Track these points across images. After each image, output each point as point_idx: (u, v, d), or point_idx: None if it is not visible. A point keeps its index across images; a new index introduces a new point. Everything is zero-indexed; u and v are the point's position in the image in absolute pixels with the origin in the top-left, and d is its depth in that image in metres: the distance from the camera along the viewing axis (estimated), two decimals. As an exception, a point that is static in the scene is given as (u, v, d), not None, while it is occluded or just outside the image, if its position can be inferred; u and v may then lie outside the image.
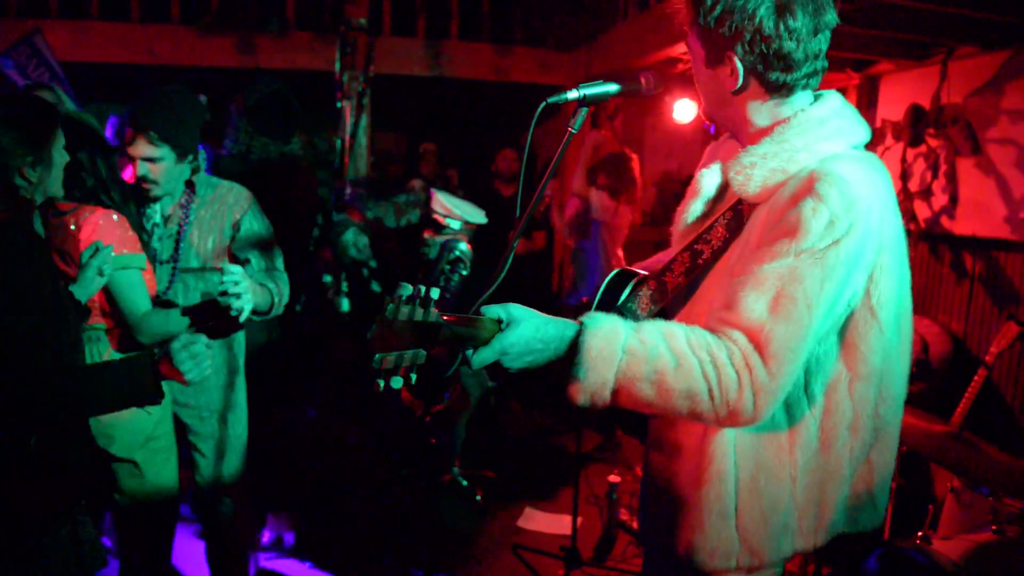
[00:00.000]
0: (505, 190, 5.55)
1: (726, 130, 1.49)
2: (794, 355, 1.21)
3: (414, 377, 1.20)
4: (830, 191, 1.21)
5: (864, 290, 1.30)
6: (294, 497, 3.89)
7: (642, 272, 1.57)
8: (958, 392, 3.41)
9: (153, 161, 2.33)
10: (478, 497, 4.00)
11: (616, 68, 5.46)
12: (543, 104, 1.45)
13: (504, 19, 6.05)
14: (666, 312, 1.48)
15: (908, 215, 4.36)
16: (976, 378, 3.43)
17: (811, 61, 1.33)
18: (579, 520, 3.41)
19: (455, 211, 3.53)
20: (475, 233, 3.94)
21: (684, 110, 4.35)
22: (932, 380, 3.96)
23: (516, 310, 1.25)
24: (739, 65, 1.32)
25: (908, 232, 4.36)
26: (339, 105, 5.67)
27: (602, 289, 1.57)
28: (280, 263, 2.61)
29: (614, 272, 1.60)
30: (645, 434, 1.57)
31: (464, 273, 3.31)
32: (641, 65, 5.11)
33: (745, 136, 1.42)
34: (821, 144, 1.31)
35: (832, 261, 1.21)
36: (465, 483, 4.04)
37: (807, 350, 1.24)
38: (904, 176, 4.41)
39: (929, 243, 4.37)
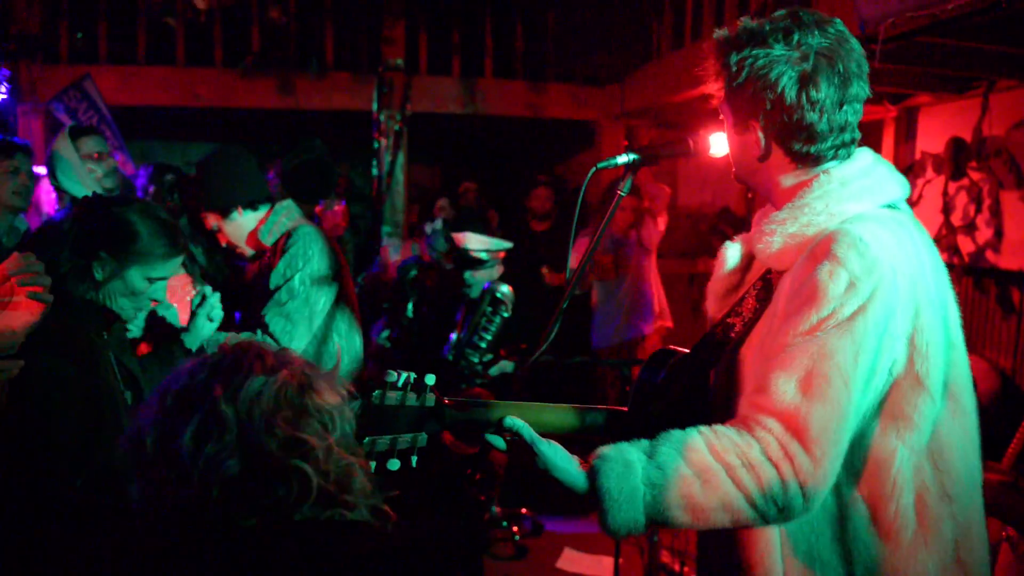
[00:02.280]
0: (537, 226, 5.58)
1: (759, 193, 1.45)
2: (836, 436, 1.14)
3: (415, 460, 1.23)
4: (848, 252, 1.17)
5: (907, 356, 1.21)
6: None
7: (682, 350, 1.51)
8: (1009, 432, 3.34)
9: None
10: (517, 537, 3.98)
11: (650, 104, 5.50)
12: (593, 170, 1.47)
13: (537, 56, 6.14)
14: (706, 393, 1.43)
15: (951, 249, 4.30)
16: (1028, 418, 3.35)
17: (837, 133, 1.29)
18: (620, 561, 3.37)
19: (481, 244, 3.58)
20: (509, 272, 3.98)
21: (718, 143, 4.36)
22: (981, 419, 3.88)
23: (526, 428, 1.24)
24: (761, 135, 1.30)
25: (951, 266, 4.30)
26: (376, 145, 5.78)
27: (642, 368, 1.51)
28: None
29: (654, 353, 1.55)
30: None
31: (505, 315, 3.33)
32: (673, 101, 5.14)
33: (775, 199, 1.39)
34: (844, 205, 1.26)
35: (860, 330, 1.15)
36: (504, 523, 4.03)
37: (850, 430, 1.17)
38: (946, 210, 4.36)
39: (974, 277, 4.30)
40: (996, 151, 4.10)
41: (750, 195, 5.03)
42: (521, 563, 3.84)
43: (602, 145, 6.13)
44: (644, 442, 1.21)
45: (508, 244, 3.73)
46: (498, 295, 3.21)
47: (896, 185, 1.33)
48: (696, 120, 1.55)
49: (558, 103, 6.06)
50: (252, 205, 2.57)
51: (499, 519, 4.10)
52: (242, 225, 2.58)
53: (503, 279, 3.58)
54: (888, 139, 4.85)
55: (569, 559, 3.86)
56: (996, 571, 2.69)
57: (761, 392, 1.19)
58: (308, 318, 2.49)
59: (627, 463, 1.18)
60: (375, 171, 5.82)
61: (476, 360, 3.38)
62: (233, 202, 2.52)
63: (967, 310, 4.37)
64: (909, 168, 4.67)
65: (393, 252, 5.47)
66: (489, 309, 3.24)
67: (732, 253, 1.48)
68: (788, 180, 1.34)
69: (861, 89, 1.30)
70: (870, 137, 4.65)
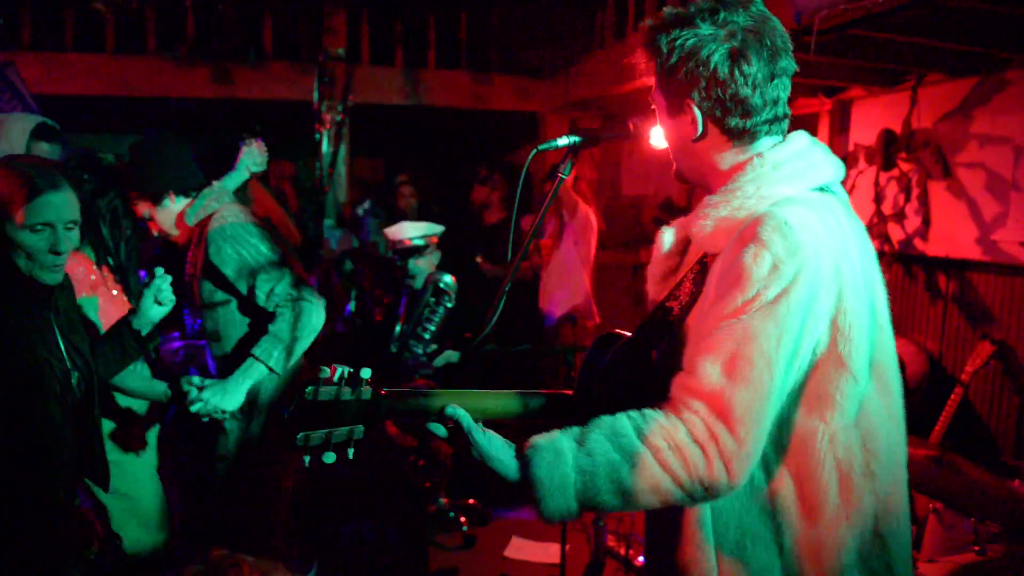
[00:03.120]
0: (488, 217, 5.58)
1: (698, 184, 1.46)
2: (759, 417, 1.17)
3: (351, 452, 1.24)
4: (772, 235, 1.18)
5: (829, 337, 1.24)
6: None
7: (625, 334, 1.52)
8: (936, 411, 3.47)
9: None
10: (464, 527, 3.98)
11: (594, 95, 5.53)
12: (533, 152, 1.46)
13: (481, 47, 6.13)
14: (648, 376, 1.44)
15: (882, 237, 4.44)
16: (953, 396, 3.50)
17: (770, 107, 1.32)
18: (567, 548, 3.40)
19: (416, 231, 3.57)
20: (456, 263, 3.96)
21: (661, 135, 4.42)
22: (911, 399, 4.01)
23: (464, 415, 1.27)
24: (697, 112, 1.32)
25: (883, 254, 4.44)
26: (317, 136, 5.69)
27: (587, 353, 1.53)
28: None
29: (600, 336, 1.56)
30: None
31: (449, 305, 3.32)
32: (618, 92, 5.19)
33: (711, 186, 1.40)
34: (775, 188, 1.28)
35: (783, 312, 1.17)
36: (452, 514, 4.03)
37: (773, 410, 1.20)
38: (878, 199, 4.50)
39: (903, 265, 4.45)
40: (924, 143, 4.25)
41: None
42: (469, 553, 3.84)
43: (547, 137, 6.15)
44: (576, 429, 1.23)
45: (440, 228, 3.73)
46: (441, 285, 3.19)
47: (830, 168, 1.35)
48: (640, 112, 1.55)
49: (503, 94, 6.06)
50: (184, 191, 2.51)
51: (446, 510, 4.09)
52: (174, 212, 2.52)
53: (448, 269, 3.58)
54: (823, 131, 4.98)
55: (517, 547, 3.88)
56: (925, 543, 2.80)
57: (689, 375, 1.21)
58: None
59: (558, 451, 1.20)
60: (318, 163, 5.74)
61: (420, 351, 3.37)
62: (164, 188, 2.46)
63: (897, 296, 4.53)
64: (843, 159, 4.80)
65: (333, 244, 5.40)
66: (432, 300, 3.22)
67: (667, 237, 1.50)
68: (724, 162, 1.36)
69: (789, 63, 1.32)
70: (806, 130, 4.73)
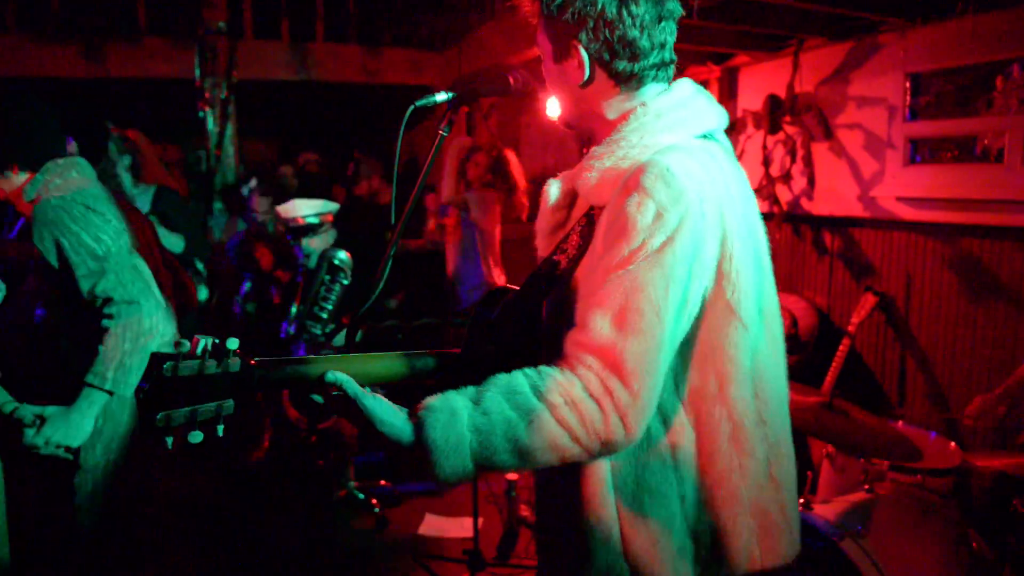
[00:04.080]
0: (381, 199, 5.45)
1: (583, 131, 1.44)
2: (653, 367, 1.16)
3: (220, 429, 1.13)
4: (655, 183, 1.17)
5: (716, 284, 1.24)
6: (179, 529, 3.67)
7: (515, 288, 1.49)
8: (827, 362, 3.63)
9: None
10: (376, 509, 3.91)
11: (487, 67, 5.47)
12: (411, 108, 1.40)
13: (372, 20, 5.95)
14: (537, 331, 1.42)
15: (771, 199, 4.60)
16: (841, 347, 3.67)
17: (658, 51, 1.31)
18: (480, 521, 3.39)
19: (310, 209, 3.45)
20: (357, 242, 3.83)
21: (558, 106, 4.41)
22: (803, 353, 4.20)
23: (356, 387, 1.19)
24: (584, 55, 1.30)
25: (772, 215, 4.59)
26: (201, 114, 5.41)
27: (476, 309, 1.48)
28: None
29: (488, 292, 1.52)
30: None
31: (345, 282, 3.22)
32: (512, 63, 5.15)
33: (599, 134, 1.38)
34: (658, 137, 1.27)
35: (670, 260, 1.16)
36: (361, 496, 3.94)
37: (666, 359, 1.19)
38: (766, 162, 4.65)
39: (792, 224, 4.62)
40: (807, 106, 4.40)
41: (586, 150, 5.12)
42: (383, 534, 3.78)
43: (441, 112, 6.05)
44: (471, 389, 1.19)
45: (335, 205, 3.62)
46: (336, 262, 3.09)
47: (713, 115, 1.35)
48: (537, 82, 1.51)
49: (395, 68, 5.92)
50: (32, 164, 2.18)
51: (356, 492, 4.01)
52: (14, 186, 2.20)
53: (362, 249, 3.46)
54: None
55: (431, 524, 3.84)
56: (820, 486, 2.92)
57: (580, 330, 1.19)
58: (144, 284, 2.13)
59: (453, 412, 1.15)
60: (203, 145, 5.46)
61: (319, 331, 3.25)
62: (9, 159, 2.15)
63: (787, 254, 4.70)
64: (732, 125, 4.93)
65: (217, 233, 5.15)
66: (327, 277, 3.11)
67: (553, 190, 1.47)
68: (611, 109, 1.35)
69: (675, 7, 1.32)
70: (696, 95, 4.81)
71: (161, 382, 1.05)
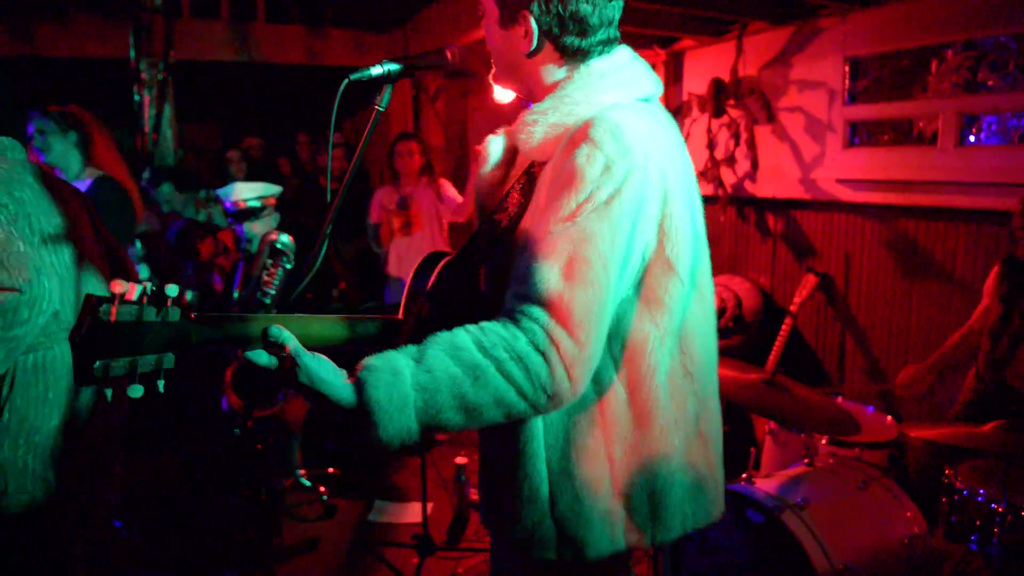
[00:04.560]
0: (325, 181, 5.34)
1: (524, 96, 1.44)
2: (598, 318, 1.16)
3: (161, 384, 1.06)
4: (603, 135, 1.18)
5: (657, 240, 1.25)
6: (123, 522, 3.57)
7: (451, 252, 1.49)
8: (770, 341, 3.70)
9: None
10: (324, 497, 3.86)
11: (433, 48, 5.40)
12: (346, 81, 1.36)
13: (315, 0, 5.82)
14: (477, 292, 1.42)
15: (716, 181, 4.65)
16: (784, 327, 3.74)
17: (605, 28, 1.32)
18: (430, 506, 3.37)
19: (251, 192, 3.36)
20: (305, 228, 3.72)
21: (505, 90, 4.38)
22: (747, 332, 4.27)
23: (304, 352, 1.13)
24: (534, 25, 1.30)
25: (717, 197, 4.65)
26: (137, 97, 5.22)
27: (412, 275, 1.46)
28: None
29: (424, 258, 1.50)
30: None
31: (288, 267, 3.14)
32: (460, 44, 5.08)
33: (536, 98, 1.38)
34: (602, 95, 1.28)
35: (616, 211, 1.16)
36: (308, 484, 3.89)
37: (610, 311, 1.20)
38: (711, 145, 4.70)
39: (737, 206, 4.69)
40: (750, 90, 4.46)
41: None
42: (331, 522, 3.73)
43: (390, 94, 5.96)
44: (412, 348, 1.16)
45: (277, 188, 3.53)
46: (278, 245, 3.00)
47: (650, 81, 1.37)
48: (485, 65, 1.48)
49: (339, 49, 5.79)
50: None
51: (302, 480, 3.95)
52: None
53: (307, 234, 3.37)
54: (659, 82, 5.12)
55: (379, 510, 3.81)
56: (763, 461, 2.98)
57: (524, 282, 1.18)
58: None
59: (395, 371, 1.12)
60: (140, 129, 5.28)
61: (262, 317, 3.17)
62: None
63: (732, 236, 4.77)
64: (678, 109, 4.97)
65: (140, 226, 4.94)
66: (269, 262, 3.02)
67: (494, 147, 1.45)
68: (554, 77, 1.35)
69: None
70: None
71: (99, 326, 0.98)
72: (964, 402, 2.95)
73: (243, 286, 3.28)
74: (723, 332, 4.22)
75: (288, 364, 1.12)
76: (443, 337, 1.16)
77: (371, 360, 1.14)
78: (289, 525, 3.66)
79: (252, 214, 3.50)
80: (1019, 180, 3.18)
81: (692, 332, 1.33)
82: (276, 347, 1.12)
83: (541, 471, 1.29)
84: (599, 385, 1.28)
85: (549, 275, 1.15)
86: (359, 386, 1.12)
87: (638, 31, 4.48)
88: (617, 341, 1.28)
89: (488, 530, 1.53)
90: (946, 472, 2.50)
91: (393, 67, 1.40)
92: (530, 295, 1.16)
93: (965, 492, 2.41)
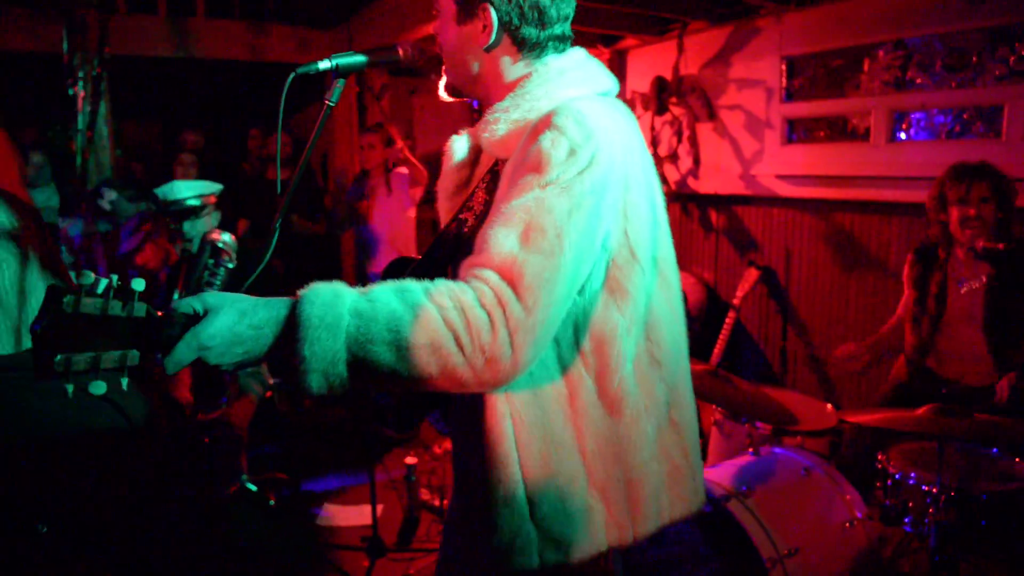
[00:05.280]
0: (274, 175, 5.25)
1: (476, 97, 1.43)
2: (551, 286, 1.13)
3: (125, 382, 1.02)
4: (567, 122, 1.19)
5: (621, 229, 1.25)
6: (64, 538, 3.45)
7: (418, 258, 1.48)
8: (716, 335, 3.77)
9: None
10: (272, 502, 3.79)
11: (379, 46, 5.35)
12: (292, 75, 1.34)
13: (256, -6, 5.71)
14: None
15: (660, 178, 4.71)
16: (728, 320, 3.82)
17: (561, 23, 1.34)
18: (380, 508, 3.34)
19: (191, 190, 3.29)
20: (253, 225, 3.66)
21: (449, 71, 4.35)
22: (693, 327, 4.34)
23: (213, 298, 1.08)
24: (495, 17, 1.30)
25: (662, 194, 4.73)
26: (71, 93, 5.05)
27: (381, 277, 1.41)
28: None
29: (392, 261, 1.51)
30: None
31: (230, 266, 3.08)
32: (405, 41, 5.05)
33: (495, 98, 1.38)
34: (563, 91, 1.29)
35: (579, 190, 1.16)
36: (255, 489, 3.81)
37: (566, 285, 1.16)
38: (654, 143, 4.77)
39: (681, 203, 4.77)
40: (691, 88, 4.54)
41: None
42: (279, 527, 3.67)
43: (334, 92, 5.88)
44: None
45: (218, 186, 3.46)
46: (220, 244, 2.93)
47: (607, 79, 1.38)
48: (430, 63, 1.47)
49: (281, 46, 5.69)
50: None
51: (249, 486, 3.87)
52: None
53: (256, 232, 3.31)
54: (603, 80, 5.18)
55: (329, 514, 3.76)
56: (709, 452, 3.03)
57: (480, 251, 1.17)
58: None
59: (337, 293, 1.10)
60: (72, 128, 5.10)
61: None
62: None
63: (676, 233, 4.84)
64: (623, 106, 5.03)
65: (72, 231, 4.78)
66: (211, 261, 2.95)
67: (460, 145, 1.45)
68: (510, 73, 1.35)
69: None
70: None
71: (61, 318, 0.93)
72: (893, 385, 3.06)
73: (184, 286, 3.20)
74: (669, 326, 4.28)
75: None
76: (392, 281, 1.15)
77: (316, 284, 1.12)
78: (235, 533, 3.59)
79: (192, 212, 3.42)
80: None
81: (658, 320, 1.32)
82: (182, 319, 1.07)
83: (515, 474, 1.26)
84: (569, 380, 1.27)
85: (504, 240, 1.14)
86: (295, 302, 1.09)
87: (582, 29, 4.52)
88: (584, 333, 1.27)
89: (452, 543, 1.49)
90: (879, 457, 2.59)
91: (342, 61, 1.38)
92: (484, 262, 1.15)
93: (898, 476, 2.49)
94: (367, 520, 3.52)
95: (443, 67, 1.42)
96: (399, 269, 1.43)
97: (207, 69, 5.85)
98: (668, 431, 1.33)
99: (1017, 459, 2.50)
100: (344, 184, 4.86)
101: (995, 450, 2.59)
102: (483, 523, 1.29)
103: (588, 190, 1.17)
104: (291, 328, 1.07)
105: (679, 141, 4.64)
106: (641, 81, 4.90)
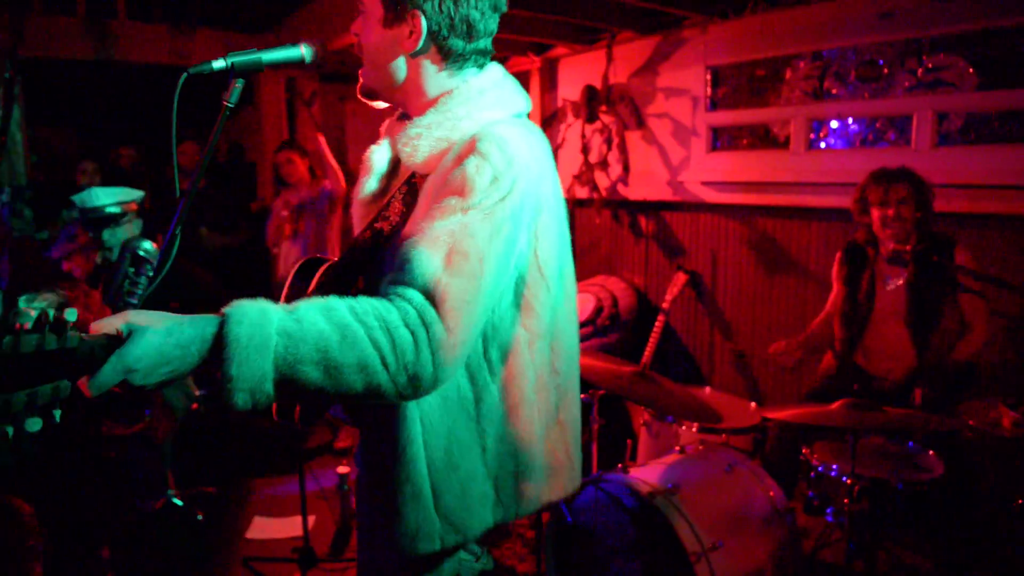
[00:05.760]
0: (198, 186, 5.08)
1: (393, 102, 1.45)
2: (471, 308, 1.19)
3: (58, 414, 1.00)
4: (491, 149, 1.24)
5: (532, 250, 1.33)
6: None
7: (331, 259, 1.48)
8: (646, 338, 3.84)
9: None
10: (199, 517, 3.68)
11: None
12: (184, 75, 1.30)
13: (180, -2, 5.57)
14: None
15: (591, 184, 4.80)
16: (657, 323, 3.89)
17: (486, 38, 1.37)
18: (312, 519, 3.29)
19: (110, 197, 3.19)
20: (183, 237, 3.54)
21: (368, 73, 4.32)
22: (624, 331, 4.42)
23: (138, 316, 1.06)
24: (424, 25, 1.31)
25: (592, 200, 4.79)
26: (-19, 95, 4.83)
27: (289, 280, 1.45)
28: None
29: (303, 261, 1.48)
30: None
31: (151, 274, 2.99)
32: (335, 48, 5.01)
33: (414, 108, 1.40)
34: (482, 112, 1.34)
35: (500, 216, 1.22)
36: (181, 503, 3.70)
37: (484, 307, 1.23)
38: (585, 150, 4.84)
39: (611, 209, 4.85)
40: (621, 96, 4.63)
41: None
42: (208, 542, 3.57)
43: (262, 100, 5.79)
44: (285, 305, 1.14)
45: (139, 193, 3.36)
46: (140, 252, 2.86)
47: (521, 99, 1.44)
48: (337, 64, 1.45)
49: (207, 51, 5.56)
50: None
51: (175, 501, 3.76)
52: None
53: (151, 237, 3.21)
54: (535, 88, 5.24)
55: (259, 527, 3.68)
56: (639, 452, 3.08)
57: (402, 269, 1.20)
58: None
59: (263, 312, 1.09)
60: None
61: (124, 328, 3.00)
62: None
63: (607, 238, 4.93)
64: (554, 115, 5.09)
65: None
66: (132, 270, 2.87)
67: (378, 157, 1.47)
68: (432, 85, 1.38)
69: (501, 3, 1.39)
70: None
71: (1, 360, 0.91)
72: (821, 380, 3.17)
73: (104, 296, 3.09)
74: (601, 331, 4.34)
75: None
76: (317, 300, 1.15)
77: (241, 302, 1.11)
78: (163, 549, 3.47)
79: (112, 220, 3.31)
80: (861, 180, 3.46)
81: (561, 331, 1.43)
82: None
83: (422, 471, 1.35)
84: (476, 385, 1.36)
85: (428, 263, 1.17)
86: (222, 320, 1.08)
87: (514, 37, 4.57)
88: (492, 345, 1.35)
89: (361, 533, 1.54)
90: (803, 451, 2.68)
91: (238, 60, 1.33)
92: (407, 279, 1.18)
93: (820, 468, 2.58)
94: (298, 531, 3.45)
95: (360, 69, 1.42)
96: (310, 270, 1.45)
97: (129, 73, 5.68)
98: (555, 430, 1.46)
99: (931, 451, 2.62)
100: (269, 199, 4.78)
101: (911, 443, 2.71)
102: (391, 514, 1.38)
103: (508, 216, 1.24)
104: (218, 348, 1.06)
105: (609, 148, 4.72)
106: (572, 89, 4.97)
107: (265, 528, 3.67)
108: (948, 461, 2.56)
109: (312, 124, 5.56)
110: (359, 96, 1.46)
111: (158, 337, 1.04)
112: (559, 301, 1.41)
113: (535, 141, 1.35)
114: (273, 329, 1.08)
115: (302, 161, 4.61)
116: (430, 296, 1.16)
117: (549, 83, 5.24)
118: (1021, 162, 3.16)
